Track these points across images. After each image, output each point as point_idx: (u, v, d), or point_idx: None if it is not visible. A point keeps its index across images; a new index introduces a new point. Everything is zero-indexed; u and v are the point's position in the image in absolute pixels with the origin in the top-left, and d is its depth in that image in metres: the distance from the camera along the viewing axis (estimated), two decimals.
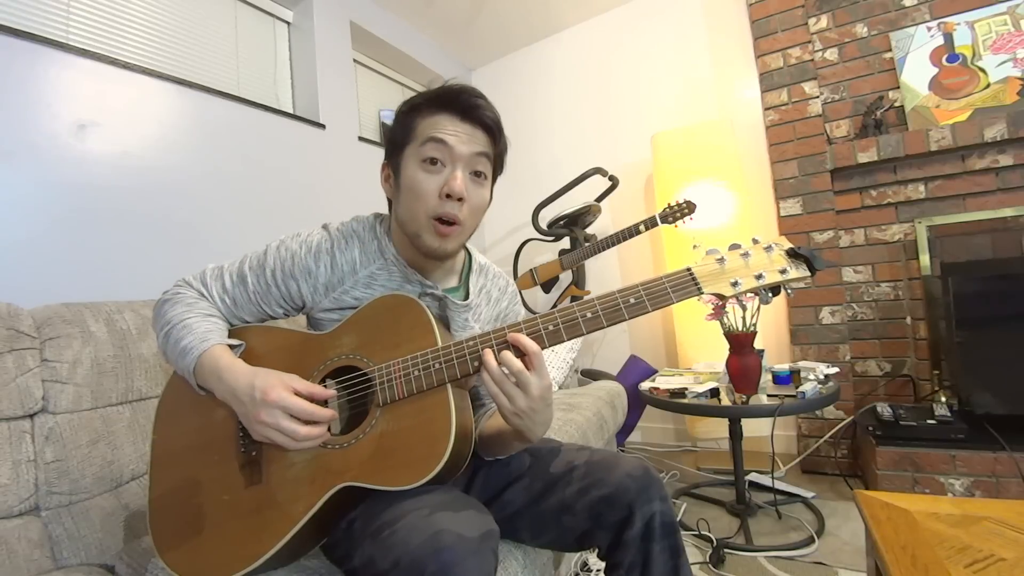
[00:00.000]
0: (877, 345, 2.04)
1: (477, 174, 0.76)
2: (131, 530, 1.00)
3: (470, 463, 0.72)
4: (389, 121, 2.93)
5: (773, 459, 1.80)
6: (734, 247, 0.67)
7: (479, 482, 0.84)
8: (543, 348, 0.66)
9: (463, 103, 0.74)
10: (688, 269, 0.65)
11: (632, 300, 0.65)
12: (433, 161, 0.74)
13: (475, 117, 0.75)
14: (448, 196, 0.73)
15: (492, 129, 0.77)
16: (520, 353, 0.65)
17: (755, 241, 0.67)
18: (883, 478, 1.63)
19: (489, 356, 0.65)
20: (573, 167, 2.52)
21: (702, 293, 0.64)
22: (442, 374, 0.67)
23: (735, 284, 0.64)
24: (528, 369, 0.65)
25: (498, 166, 0.82)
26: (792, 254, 0.65)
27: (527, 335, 0.66)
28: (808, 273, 0.65)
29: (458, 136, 0.73)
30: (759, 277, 0.64)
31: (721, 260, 0.65)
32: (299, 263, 0.79)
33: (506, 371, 0.65)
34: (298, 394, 0.68)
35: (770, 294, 0.67)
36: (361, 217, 0.84)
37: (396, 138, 0.78)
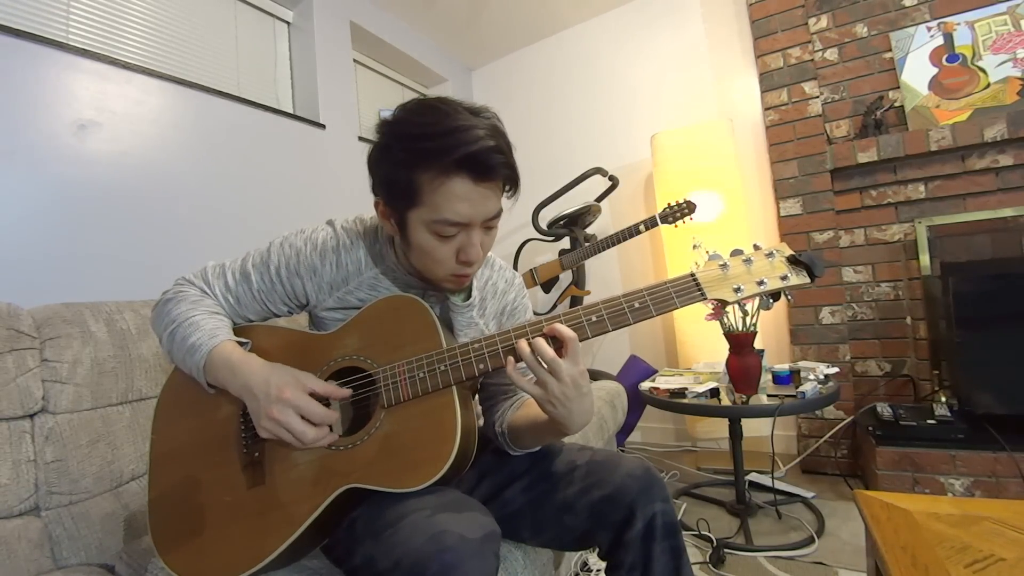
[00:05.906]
0: (877, 345, 2.04)
1: (490, 220, 0.71)
2: (131, 530, 1.00)
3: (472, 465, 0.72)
4: None
5: (773, 459, 1.80)
6: (736, 253, 0.67)
7: (478, 481, 0.84)
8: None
9: (481, 164, 0.64)
10: (692, 275, 0.66)
11: (637, 305, 0.65)
12: (447, 233, 0.68)
13: (493, 176, 0.66)
14: (464, 261, 0.71)
15: (509, 180, 0.69)
16: (557, 344, 0.65)
17: (756, 247, 0.68)
18: (883, 478, 1.63)
19: (523, 343, 0.65)
20: (573, 167, 2.52)
21: (705, 299, 0.65)
22: (447, 376, 0.67)
23: (738, 290, 0.65)
24: (561, 357, 0.64)
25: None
26: (793, 260, 0.66)
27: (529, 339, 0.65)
28: (808, 280, 0.66)
29: (473, 206, 0.66)
30: (761, 283, 0.65)
31: (724, 266, 0.66)
32: (304, 261, 0.78)
33: (539, 358, 0.64)
34: (313, 394, 0.68)
35: (771, 300, 0.68)
36: (365, 219, 0.83)
37: (395, 189, 0.68)
